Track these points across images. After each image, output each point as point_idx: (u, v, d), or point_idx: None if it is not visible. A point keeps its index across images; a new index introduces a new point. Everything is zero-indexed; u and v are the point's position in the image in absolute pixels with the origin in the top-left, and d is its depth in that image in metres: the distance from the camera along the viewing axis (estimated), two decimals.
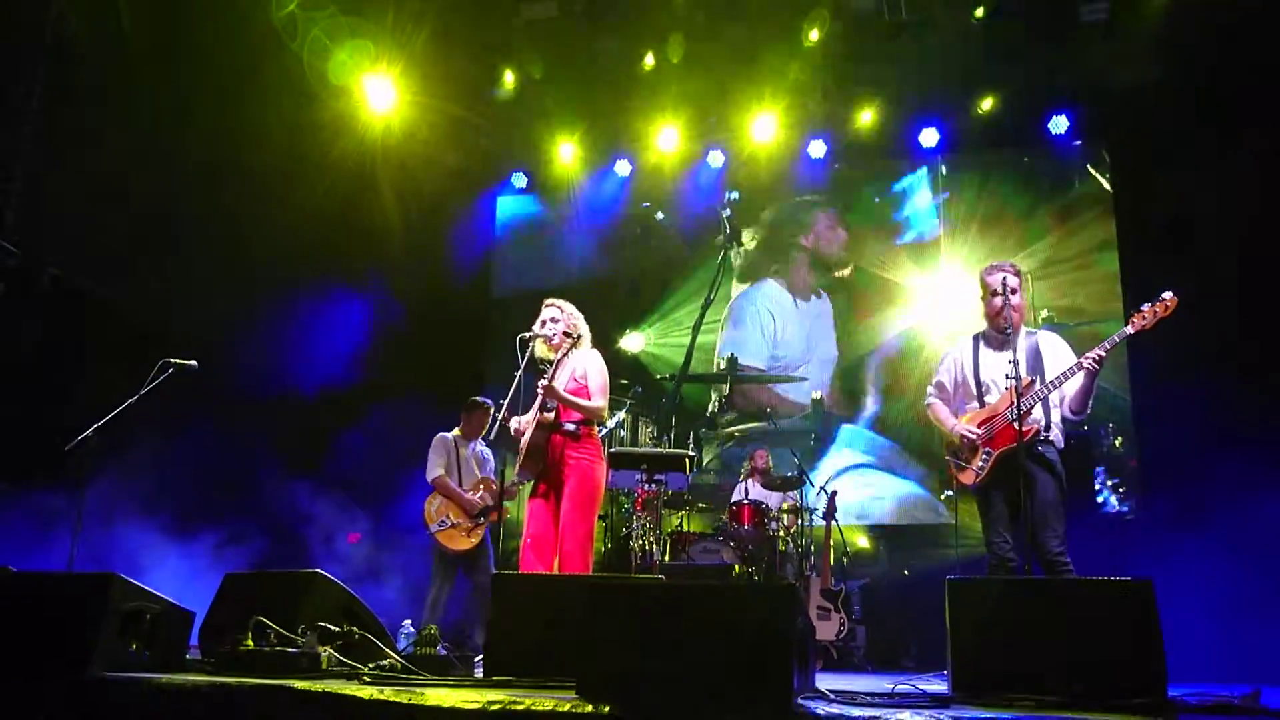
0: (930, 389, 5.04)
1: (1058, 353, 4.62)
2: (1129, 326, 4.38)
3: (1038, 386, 4.50)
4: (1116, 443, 7.67)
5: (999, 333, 4.70)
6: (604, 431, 6.12)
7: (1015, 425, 4.38)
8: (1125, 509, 7.38)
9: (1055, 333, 4.82)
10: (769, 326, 9.15)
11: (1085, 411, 4.57)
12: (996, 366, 4.68)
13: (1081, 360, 4.37)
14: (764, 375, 9.02)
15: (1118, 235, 8.03)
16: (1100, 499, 7.50)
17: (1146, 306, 4.37)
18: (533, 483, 5.02)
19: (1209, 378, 6.53)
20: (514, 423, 4.94)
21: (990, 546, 4.60)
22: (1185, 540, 5.99)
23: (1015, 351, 4.42)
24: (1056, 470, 4.51)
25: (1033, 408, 4.45)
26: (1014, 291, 4.65)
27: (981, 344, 4.81)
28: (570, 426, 4.91)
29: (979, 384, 4.75)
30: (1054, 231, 8.31)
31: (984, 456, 4.58)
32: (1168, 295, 4.35)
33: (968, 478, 4.66)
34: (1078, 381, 4.46)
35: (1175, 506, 6.24)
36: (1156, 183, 7.44)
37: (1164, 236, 7.25)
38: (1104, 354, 4.34)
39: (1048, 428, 4.55)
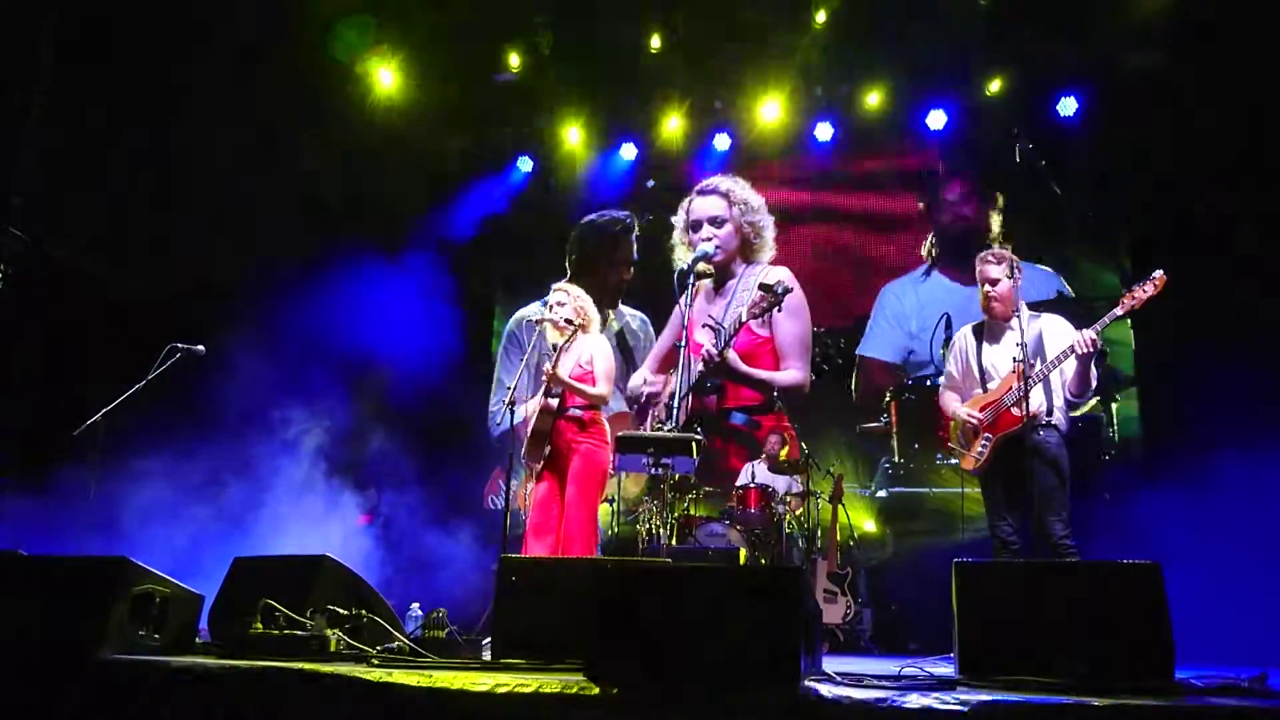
0: (942, 379, 5.10)
1: (1059, 335, 4.62)
2: (1119, 307, 4.44)
3: (1037, 369, 4.51)
4: (1119, 422, 7.65)
5: (991, 320, 4.77)
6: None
7: (1013, 410, 4.42)
8: (1131, 490, 7.36)
9: (1060, 314, 4.81)
10: None
11: (1085, 394, 4.58)
12: (996, 353, 4.74)
13: (1074, 344, 4.40)
14: None
15: (1124, 215, 7.97)
16: (1107, 481, 7.47)
17: (1137, 286, 4.41)
18: (536, 471, 5.04)
19: (1217, 357, 6.50)
20: (519, 409, 4.95)
21: (993, 530, 4.67)
22: (1193, 522, 5.97)
23: (1022, 337, 4.44)
24: (1055, 455, 4.52)
25: (1028, 392, 4.45)
26: (994, 282, 4.71)
27: (984, 332, 4.87)
28: (576, 412, 4.92)
29: (981, 371, 4.80)
30: (1060, 212, 8.25)
31: (983, 442, 4.65)
32: (1158, 274, 4.39)
33: (969, 463, 4.73)
34: (1074, 364, 4.47)
35: (1183, 488, 6.22)
36: (1163, 162, 7.39)
37: (1170, 218, 7.21)
38: (1095, 336, 4.36)
39: (1049, 412, 4.56)
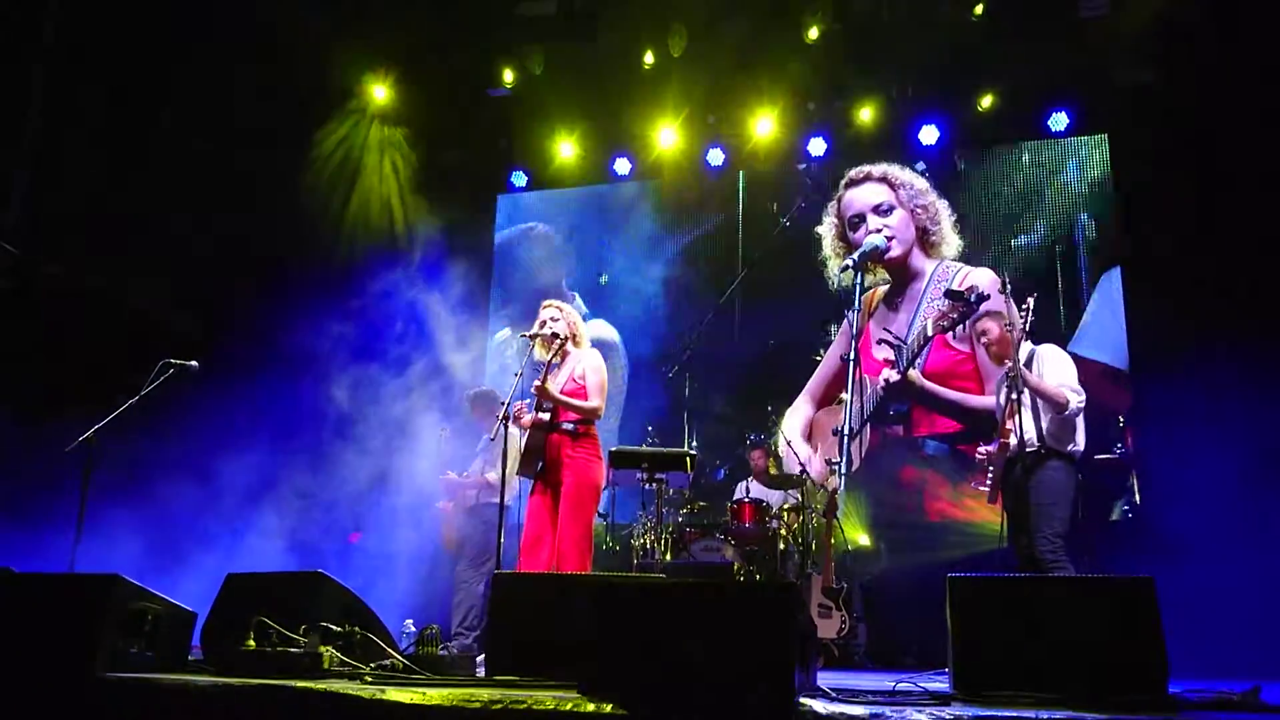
0: None
1: (1050, 363, 4.82)
2: (1017, 335, 4.63)
3: (1025, 398, 4.66)
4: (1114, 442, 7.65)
5: None
6: None
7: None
8: (1125, 506, 7.36)
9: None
10: None
11: (1058, 410, 4.63)
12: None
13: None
14: None
15: (1119, 229, 8.00)
16: (1099, 497, 7.47)
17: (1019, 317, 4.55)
18: (531, 484, 5.04)
19: (1211, 372, 6.52)
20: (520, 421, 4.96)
21: (1014, 544, 4.82)
22: (1185, 536, 5.99)
23: (1005, 376, 4.57)
24: (1046, 477, 4.65)
25: (1004, 420, 4.56)
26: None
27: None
28: (568, 426, 4.92)
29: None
30: (1056, 228, 8.26)
31: (992, 467, 4.84)
32: (1030, 299, 4.59)
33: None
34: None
35: (1175, 503, 6.23)
36: (1157, 178, 7.44)
37: (1165, 234, 7.25)
38: (1010, 363, 4.48)
39: (1040, 436, 4.66)
